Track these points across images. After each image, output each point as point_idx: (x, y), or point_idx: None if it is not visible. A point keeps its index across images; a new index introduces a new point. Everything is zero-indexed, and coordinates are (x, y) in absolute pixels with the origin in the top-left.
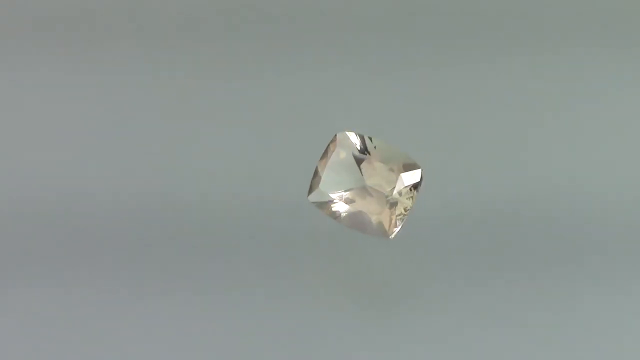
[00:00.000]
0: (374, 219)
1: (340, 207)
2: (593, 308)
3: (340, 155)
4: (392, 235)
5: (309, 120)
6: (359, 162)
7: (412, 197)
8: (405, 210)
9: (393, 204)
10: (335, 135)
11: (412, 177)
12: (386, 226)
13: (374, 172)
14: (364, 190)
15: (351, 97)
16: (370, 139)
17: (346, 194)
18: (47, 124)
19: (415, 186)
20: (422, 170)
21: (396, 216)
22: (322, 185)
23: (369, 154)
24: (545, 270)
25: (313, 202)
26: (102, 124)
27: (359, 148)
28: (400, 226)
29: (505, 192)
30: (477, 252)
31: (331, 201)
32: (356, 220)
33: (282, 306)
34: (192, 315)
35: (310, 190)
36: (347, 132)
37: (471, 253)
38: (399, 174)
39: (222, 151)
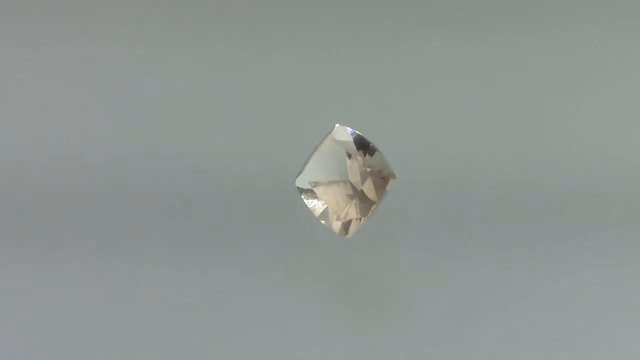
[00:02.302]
0: (335, 215)
1: (315, 197)
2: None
3: (332, 147)
4: (350, 235)
5: (320, 108)
6: (348, 157)
7: (378, 201)
8: (368, 213)
9: (357, 205)
10: (334, 126)
11: (383, 183)
12: (346, 225)
13: (356, 171)
14: (338, 185)
15: (361, 88)
16: (365, 138)
17: (323, 186)
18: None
19: (383, 192)
20: (395, 179)
21: (358, 218)
22: (307, 172)
23: (360, 151)
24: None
25: (297, 187)
26: (108, 102)
27: (353, 143)
28: (358, 227)
29: (497, 177)
30: (468, 243)
31: (311, 190)
32: (324, 214)
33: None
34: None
35: (297, 175)
36: (345, 126)
37: (462, 244)
38: (372, 178)
39: (223, 132)
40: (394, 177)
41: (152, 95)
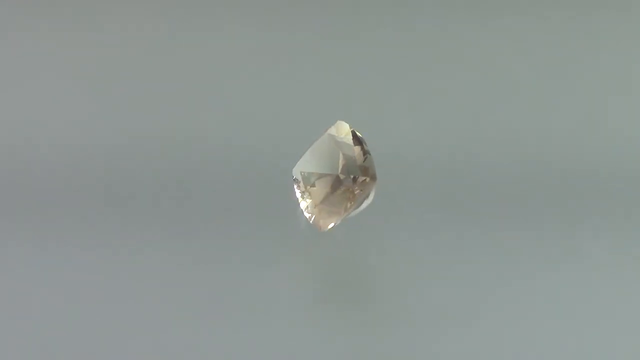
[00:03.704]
0: (317, 208)
1: (304, 188)
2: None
3: (328, 142)
4: (325, 229)
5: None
6: (342, 154)
7: (359, 201)
8: (348, 211)
9: (339, 201)
10: (337, 122)
11: (368, 185)
12: (324, 219)
13: (346, 168)
14: (326, 179)
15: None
16: (361, 138)
17: (313, 178)
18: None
19: (366, 194)
20: (375, 182)
21: (337, 214)
22: (302, 162)
23: (356, 149)
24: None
25: (293, 177)
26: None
27: (350, 141)
28: (336, 223)
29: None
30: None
31: (301, 180)
32: (308, 205)
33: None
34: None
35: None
36: (346, 124)
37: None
38: (360, 179)
39: (231, 127)
40: (375, 179)
41: (155, 89)
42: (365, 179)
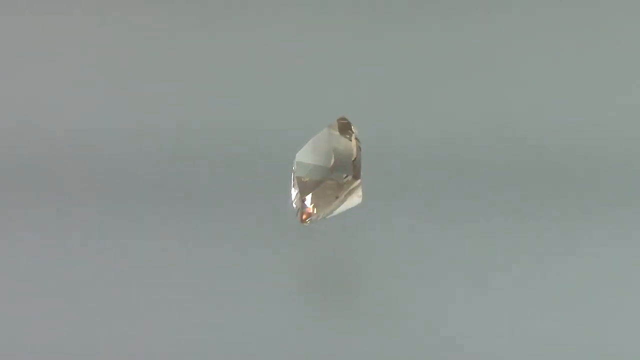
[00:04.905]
0: (300, 200)
1: (295, 180)
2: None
3: (328, 136)
4: (307, 221)
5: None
6: (335, 150)
7: (343, 200)
8: (331, 209)
9: (324, 196)
10: (338, 117)
11: (350, 182)
12: (305, 211)
13: (337, 166)
14: (318, 171)
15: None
16: (356, 137)
17: (308, 169)
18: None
19: (349, 192)
20: (360, 180)
21: (321, 209)
22: (299, 155)
23: (350, 145)
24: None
25: (293, 170)
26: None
27: (347, 138)
28: (315, 218)
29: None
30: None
31: (295, 169)
32: (296, 196)
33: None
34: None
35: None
36: (348, 121)
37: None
38: (348, 177)
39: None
40: (359, 177)
41: (155, 85)
42: (353, 177)
